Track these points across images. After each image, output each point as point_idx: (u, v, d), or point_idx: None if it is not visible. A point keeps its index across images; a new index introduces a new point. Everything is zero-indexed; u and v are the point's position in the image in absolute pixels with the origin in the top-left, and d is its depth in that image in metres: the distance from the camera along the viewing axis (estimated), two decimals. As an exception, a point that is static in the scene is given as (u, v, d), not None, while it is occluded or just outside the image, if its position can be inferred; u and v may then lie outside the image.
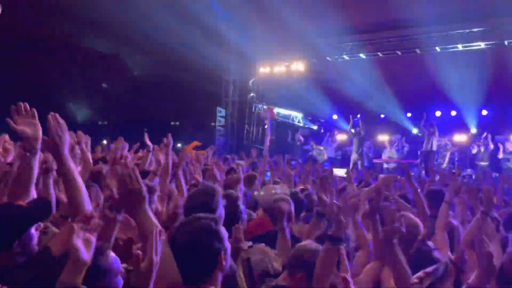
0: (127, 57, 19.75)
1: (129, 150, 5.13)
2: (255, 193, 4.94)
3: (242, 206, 3.13)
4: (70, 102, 19.70)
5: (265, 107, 16.25)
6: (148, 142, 5.46)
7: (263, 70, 16.14)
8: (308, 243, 2.54)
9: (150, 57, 17.82)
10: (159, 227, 1.86)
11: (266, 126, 15.16)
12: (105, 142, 15.30)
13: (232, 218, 2.77)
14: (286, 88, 16.83)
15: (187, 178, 5.02)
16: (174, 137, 4.53)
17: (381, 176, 6.72)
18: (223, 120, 16.74)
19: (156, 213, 3.12)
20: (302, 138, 17.32)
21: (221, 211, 2.57)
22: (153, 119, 18.93)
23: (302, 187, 5.44)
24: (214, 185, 2.97)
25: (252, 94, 16.89)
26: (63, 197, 2.57)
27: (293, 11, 12.80)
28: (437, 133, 12.68)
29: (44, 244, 1.89)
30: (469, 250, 3.04)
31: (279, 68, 15.74)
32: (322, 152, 16.41)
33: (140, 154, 6.47)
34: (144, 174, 3.83)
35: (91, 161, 4.45)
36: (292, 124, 19.23)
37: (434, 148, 12.63)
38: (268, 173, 7.16)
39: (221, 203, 2.59)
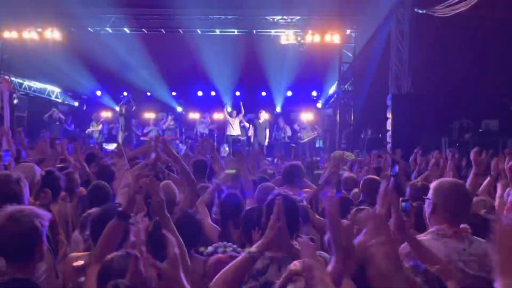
0: None
1: None
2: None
3: None
4: None
5: None
6: None
7: (9, 35, 13.58)
8: None
9: None
10: None
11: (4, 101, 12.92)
12: None
13: None
14: (40, 58, 14.73)
15: None
16: None
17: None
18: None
19: None
20: (58, 116, 15.76)
21: None
22: None
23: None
24: None
25: (-6, 63, 14.10)
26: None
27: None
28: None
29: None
30: None
31: (30, 35, 13.50)
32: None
33: None
34: None
35: None
36: (50, 100, 17.20)
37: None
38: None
39: None
